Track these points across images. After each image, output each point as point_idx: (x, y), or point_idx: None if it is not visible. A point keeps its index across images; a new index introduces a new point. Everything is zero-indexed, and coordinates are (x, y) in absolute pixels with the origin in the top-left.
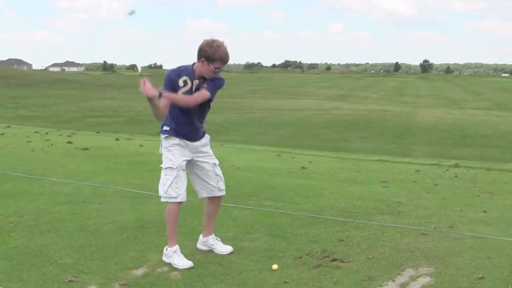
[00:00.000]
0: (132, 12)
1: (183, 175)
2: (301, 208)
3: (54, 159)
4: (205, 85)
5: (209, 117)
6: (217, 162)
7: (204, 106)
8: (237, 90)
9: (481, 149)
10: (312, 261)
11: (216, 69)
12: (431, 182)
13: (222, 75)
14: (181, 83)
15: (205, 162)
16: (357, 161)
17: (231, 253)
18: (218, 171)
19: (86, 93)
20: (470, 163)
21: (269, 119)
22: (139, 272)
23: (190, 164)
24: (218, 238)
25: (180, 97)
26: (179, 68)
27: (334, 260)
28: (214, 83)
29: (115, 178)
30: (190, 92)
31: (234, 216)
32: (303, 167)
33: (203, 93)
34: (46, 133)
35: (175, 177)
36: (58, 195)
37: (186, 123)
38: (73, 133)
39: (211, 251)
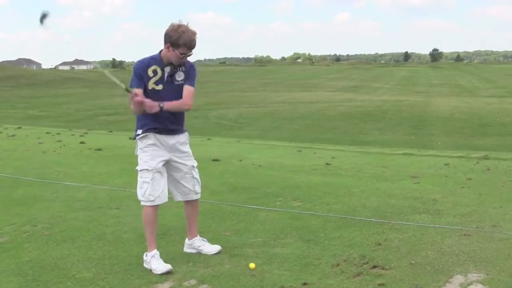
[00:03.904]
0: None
1: (159, 177)
2: (332, 208)
3: (67, 162)
4: (185, 80)
5: (222, 111)
6: (195, 164)
7: (180, 92)
8: (248, 84)
9: (502, 138)
10: (351, 269)
11: (181, 54)
12: (463, 176)
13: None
14: (150, 73)
15: (182, 163)
16: (381, 155)
17: (219, 252)
18: (196, 174)
19: (97, 91)
20: (500, 155)
21: (282, 113)
22: (165, 286)
23: (166, 165)
24: (205, 239)
25: (173, 104)
26: (145, 59)
27: (374, 266)
28: (192, 75)
29: (131, 181)
30: (162, 81)
31: (262, 220)
32: (327, 163)
33: (190, 90)
34: (58, 134)
35: (152, 179)
36: (72, 200)
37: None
38: (85, 133)
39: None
